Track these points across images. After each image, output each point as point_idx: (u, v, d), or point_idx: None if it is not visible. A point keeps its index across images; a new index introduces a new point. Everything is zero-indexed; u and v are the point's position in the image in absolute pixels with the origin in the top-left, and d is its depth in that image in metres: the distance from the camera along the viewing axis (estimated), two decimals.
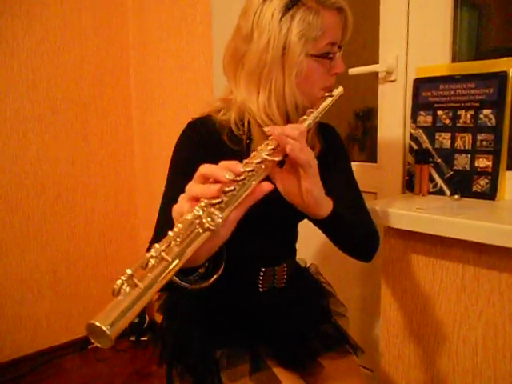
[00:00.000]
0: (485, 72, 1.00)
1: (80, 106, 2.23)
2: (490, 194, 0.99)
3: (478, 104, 1.01)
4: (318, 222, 0.75)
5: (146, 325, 2.37)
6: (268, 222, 0.87)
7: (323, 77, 0.83)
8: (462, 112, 1.03)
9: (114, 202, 2.39)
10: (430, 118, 1.09)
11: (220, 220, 0.51)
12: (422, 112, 1.10)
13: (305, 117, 0.75)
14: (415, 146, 1.11)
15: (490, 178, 0.99)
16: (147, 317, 2.39)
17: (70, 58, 2.17)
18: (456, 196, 1.02)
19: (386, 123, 1.29)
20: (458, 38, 1.17)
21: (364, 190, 1.39)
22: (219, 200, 0.53)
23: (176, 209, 0.57)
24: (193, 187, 0.56)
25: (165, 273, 0.45)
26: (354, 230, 0.85)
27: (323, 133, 0.93)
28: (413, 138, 1.12)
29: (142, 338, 2.35)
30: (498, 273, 0.84)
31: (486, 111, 0.99)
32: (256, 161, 0.59)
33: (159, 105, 2.22)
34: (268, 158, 0.61)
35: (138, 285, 0.42)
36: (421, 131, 1.11)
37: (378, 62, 1.28)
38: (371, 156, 1.43)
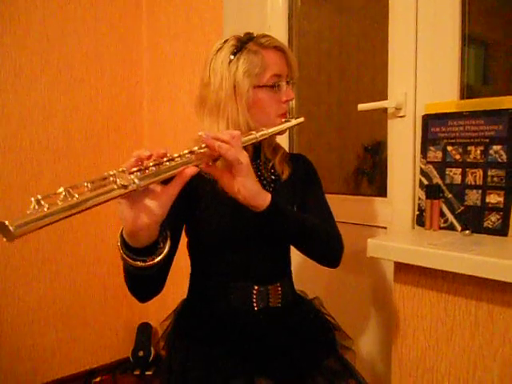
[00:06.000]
0: (493, 109, 1.01)
1: (94, 137, 2.28)
2: (502, 230, 0.98)
3: (487, 140, 1.01)
4: (262, 216, 0.81)
5: (151, 359, 2.33)
6: (244, 235, 0.94)
7: (275, 105, 0.96)
8: (471, 148, 1.04)
9: None
10: (439, 154, 1.10)
11: (137, 182, 0.62)
12: (431, 147, 1.11)
13: (253, 132, 0.86)
14: (426, 181, 1.12)
15: (501, 214, 0.99)
16: (153, 351, 2.35)
17: (85, 90, 2.24)
18: (467, 232, 1.01)
19: (395, 158, 1.30)
20: (466, 75, 1.19)
21: (374, 224, 1.40)
22: (137, 169, 0.66)
23: None
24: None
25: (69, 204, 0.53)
26: (303, 226, 0.90)
27: (294, 161, 1.06)
28: (423, 173, 1.13)
29: (147, 373, 2.31)
30: None
31: (496, 147, 1.00)
32: (185, 151, 0.70)
33: (171, 137, 2.26)
34: (196, 150, 0.71)
35: (45, 206, 0.51)
36: (431, 166, 1.11)
37: (386, 98, 1.30)
38: (380, 190, 1.43)
